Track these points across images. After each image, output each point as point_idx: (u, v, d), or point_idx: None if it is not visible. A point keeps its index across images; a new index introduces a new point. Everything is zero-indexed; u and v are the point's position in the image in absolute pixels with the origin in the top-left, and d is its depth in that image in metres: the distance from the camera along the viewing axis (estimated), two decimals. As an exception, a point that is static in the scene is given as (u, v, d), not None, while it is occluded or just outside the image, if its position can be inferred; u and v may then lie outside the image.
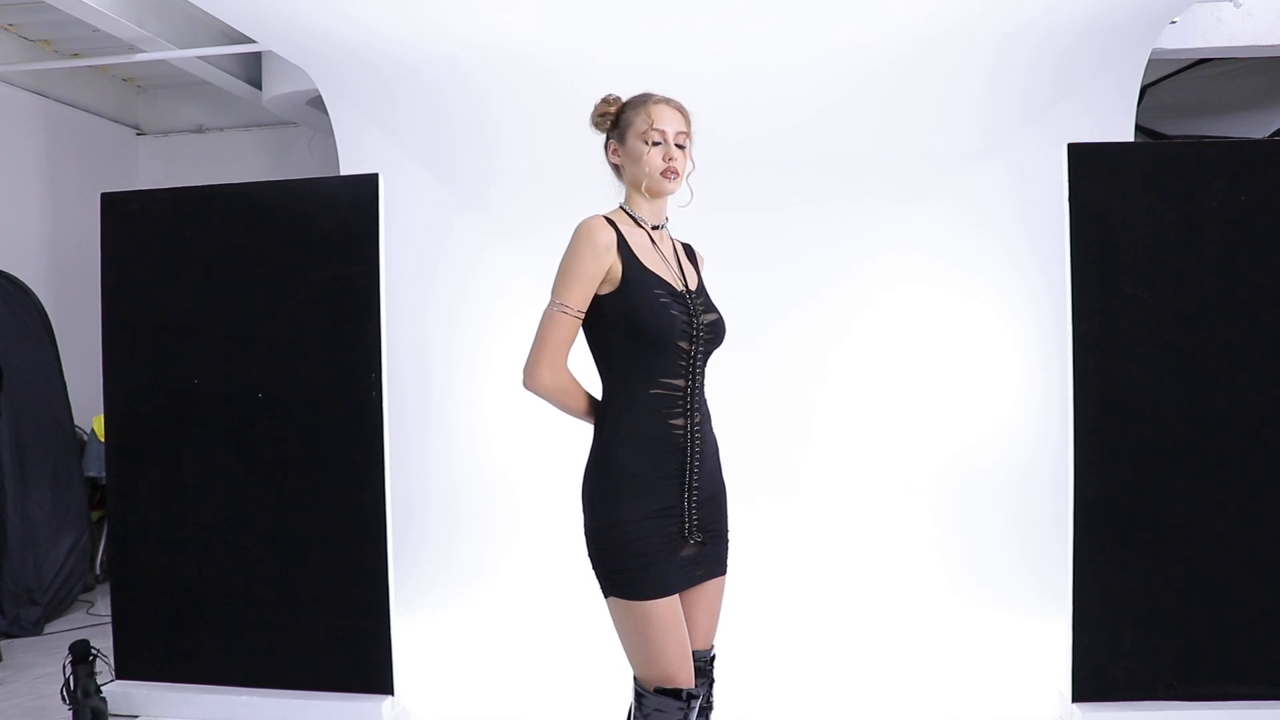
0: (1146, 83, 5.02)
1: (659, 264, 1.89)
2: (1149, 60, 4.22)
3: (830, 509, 4.26)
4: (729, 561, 1.99)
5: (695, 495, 1.87)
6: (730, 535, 1.99)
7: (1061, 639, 2.97)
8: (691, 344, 1.86)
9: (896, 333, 4.33)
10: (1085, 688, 2.89)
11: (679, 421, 1.85)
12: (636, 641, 1.82)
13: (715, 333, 1.91)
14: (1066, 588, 2.93)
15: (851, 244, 4.35)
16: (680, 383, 1.85)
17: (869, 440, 4.31)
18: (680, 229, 2.09)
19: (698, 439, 1.87)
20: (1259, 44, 4.56)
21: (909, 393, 4.29)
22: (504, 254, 4.47)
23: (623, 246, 1.85)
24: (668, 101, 1.91)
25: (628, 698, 1.92)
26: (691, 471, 1.86)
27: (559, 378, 1.85)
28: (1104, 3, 3.80)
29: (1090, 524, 2.92)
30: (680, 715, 1.81)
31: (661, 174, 1.88)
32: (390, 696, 3.11)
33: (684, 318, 1.85)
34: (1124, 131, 4.16)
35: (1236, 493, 2.91)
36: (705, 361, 1.91)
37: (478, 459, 4.49)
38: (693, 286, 1.94)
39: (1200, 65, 5.29)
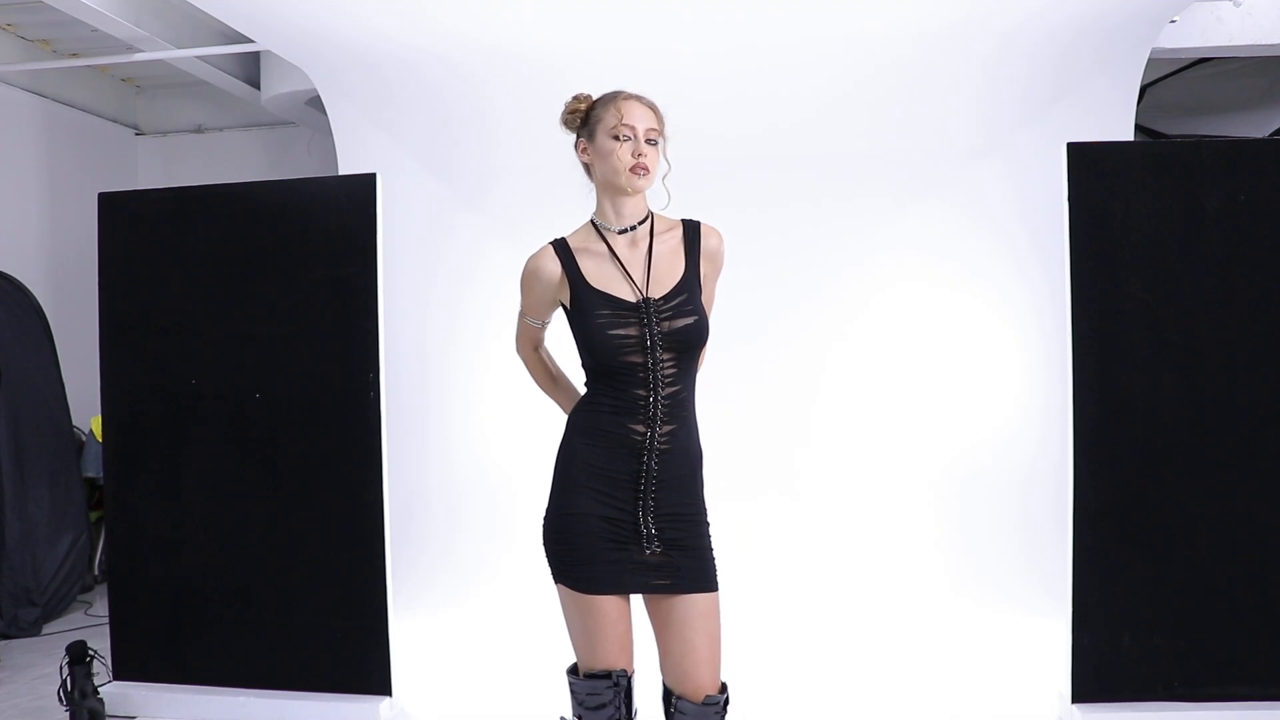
0: (1146, 82, 5.01)
1: (612, 278, 1.88)
2: (1149, 59, 4.21)
3: (830, 508, 4.25)
4: (718, 580, 1.91)
5: (652, 505, 1.86)
6: (713, 555, 1.92)
7: (1061, 639, 2.96)
8: (647, 356, 1.84)
9: (896, 332, 4.32)
10: (1085, 688, 2.88)
11: (640, 428, 1.85)
12: (579, 631, 1.88)
13: (684, 339, 1.86)
14: (1066, 587, 2.93)
15: (851, 243, 4.34)
16: (641, 392, 1.85)
17: (869, 439, 4.30)
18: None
19: (661, 448, 1.86)
20: (1259, 43, 4.55)
21: (909, 392, 4.29)
22: (504, 252, 4.43)
23: (571, 271, 1.88)
24: (638, 98, 1.88)
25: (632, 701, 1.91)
26: (649, 480, 1.85)
27: (527, 358, 2.12)
28: (1104, 2, 3.79)
29: (1090, 524, 2.91)
30: (611, 695, 1.84)
31: (631, 170, 1.85)
32: (388, 697, 3.10)
33: (631, 333, 1.83)
34: (1124, 131, 4.16)
35: (1237, 492, 2.90)
36: (680, 367, 1.87)
37: (477, 459, 4.48)
38: (664, 290, 1.88)
39: (1200, 64, 5.28)
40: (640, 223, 1.92)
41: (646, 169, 1.86)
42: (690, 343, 1.88)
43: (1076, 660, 2.89)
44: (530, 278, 1.94)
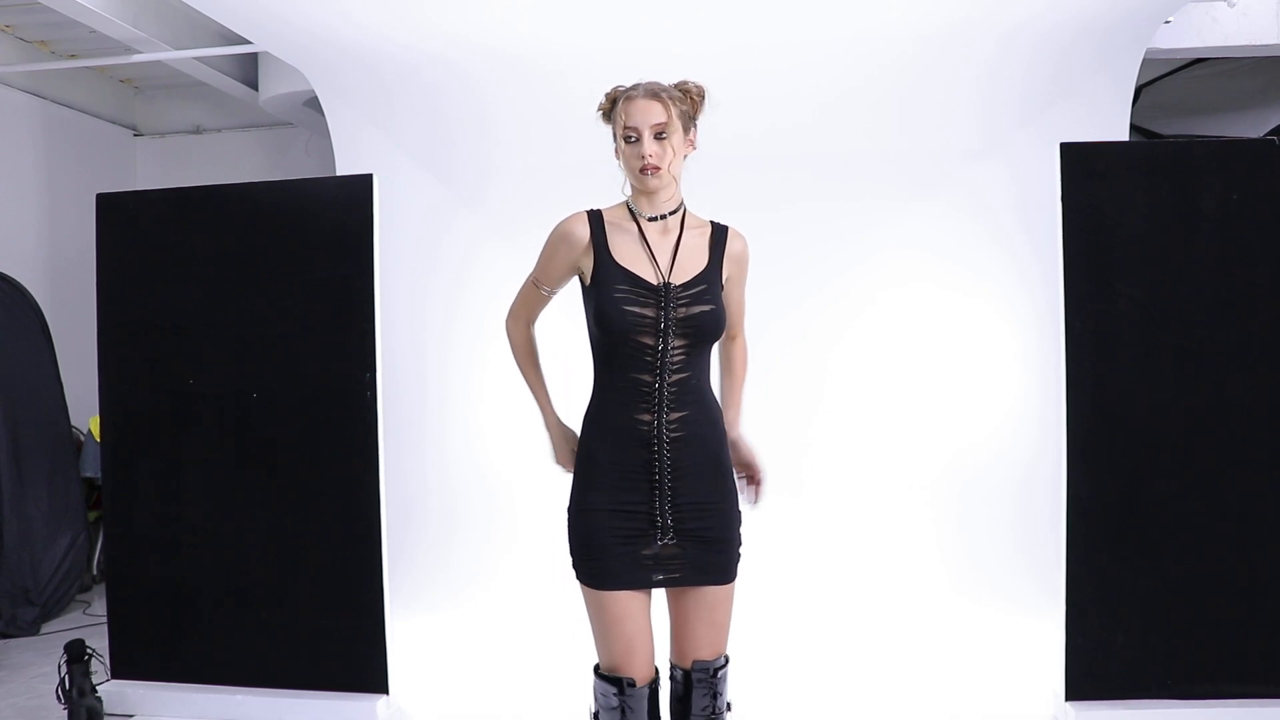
0: (1142, 82, 5.03)
1: (638, 258, 1.90)
2: (1145, 60, 4.22)
3: (830, 508, 4.26)
4: (737, 571, 1.96)
5: (669, 494, 1.88)
6: (739, 546, 1.96)
7: (1057, 638, 2.97)
8: (658, 339, 1.87)
9: (896, 332, 4.33)
10: (1079, 686, 2.90)
11: (646, 416, 1.88)
12: (595, 626, 1.92)
13: (697, 326, 1.88)
14: (1062, 586, 2.94)
15: (851, 243, 4.35)
16: (648, 378, 1.87)
17: (869, 439, 4.31)
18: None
19: (672, 436, 1.88)
20: (1254, 43, 4.57)
21: (909, 392, 4.30)
22: (502, 252, 4.46)
23: (599, 242, 1.91)
24: (645, 94, 1.88)
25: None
26: (663, 469, 1.87)
27: (517, 332, 2.08)
28: (1099, 2, 3.81)
29: (1084, 523, 2.92)
30: (617, 702, 1.87)
31: (640, 171, 1.88)
32: (385, 696, 3.11)
33: (648, 314, 1.86)
34: (1119, 130, 4.17)
35: (1230, 491, 2.91)
36: (690, 355, 1.90)
37: (475, 459, 4.50)
38: (685, 278, 1.90)
39: (1196, 65, 5.30)
40: (672, 212, 1.95)
41: (655, 168, 1.87)
42: (704, 331, 1.90)
43: (1070, 658, 2.90)
44: (560, 239, 1.94)
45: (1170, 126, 5.51)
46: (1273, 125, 5.38)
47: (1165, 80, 5.34)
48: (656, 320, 1.87)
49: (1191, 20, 4.55)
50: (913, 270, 4.32)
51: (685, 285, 1.90)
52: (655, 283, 1.89)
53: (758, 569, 3.86)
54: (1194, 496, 2.92)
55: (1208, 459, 2.92)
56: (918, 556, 4.16)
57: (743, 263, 2.03)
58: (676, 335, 1.87)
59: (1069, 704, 2.89)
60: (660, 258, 1.91)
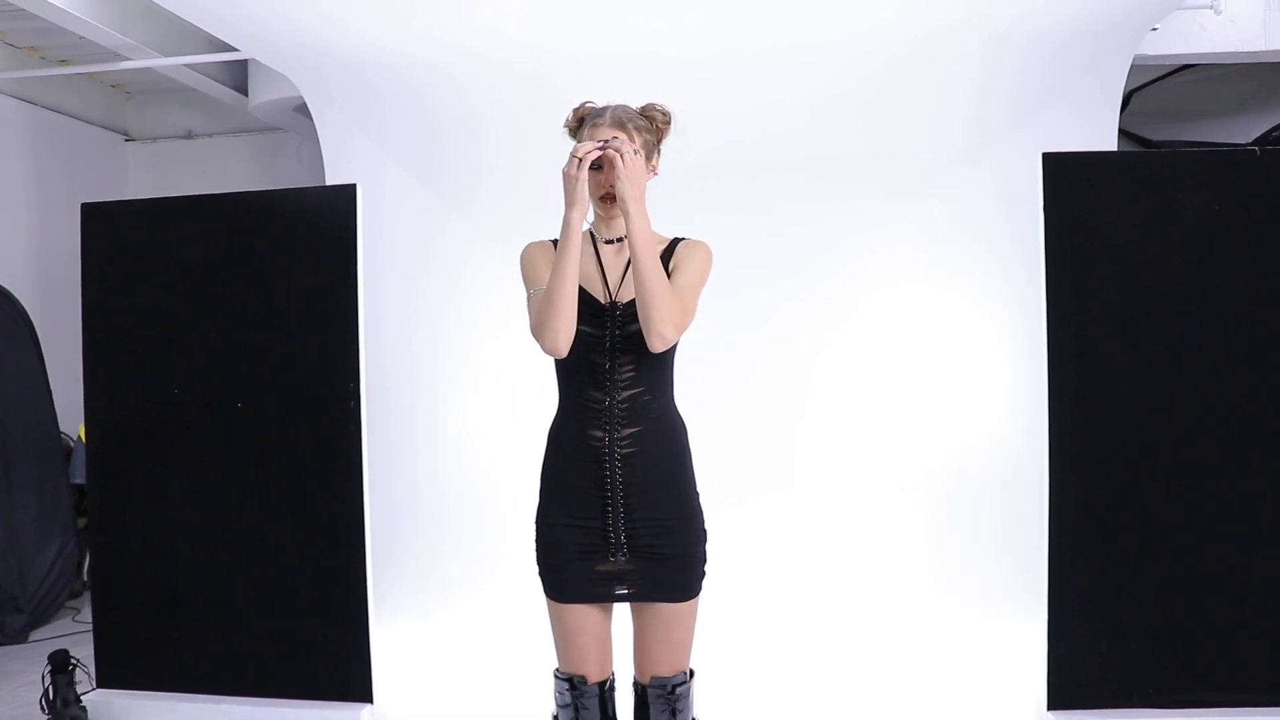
0: (1133, 88, 5.03)
1: (592, 279, 1.92)
2: (1135, 66, 4.23)
3: (817, 513, 4.26)
4: (702, 587, 1.96)
5: (623, 511, 1.89)
6: (700, 563, 1.96)
7: (1042, 644, 2.97)
8: (606, 357, 1.88)
9: (884, 337, 4.33)
10: (1061, 695, 2.89)
11: (598, 433, 1.90)
12: (554, 634, 1.98)
13: (641, 343, 1.86)
14: (1044, 594, 2.94)
15: (840, 247, 4.35)
16: (599, 394, 1.89)
17: (859, 442, 4.31)
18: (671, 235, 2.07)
19: (624, 452, 1.89)
20: (1241, 50, 4.58)
21: (897, 396, 4.30)
22: (491, 257, 4.46)
23: None
24: (610, 123, 1.89)
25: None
26: (614, 485, 1.88)
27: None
28: (1086, 9, 3.82)
29: (1066, 530, 2.93)
30: (570, 698, 1.92)
31: (600, 199, 1.91)
32: (369, 704, 3.11)
33: (596, 332, 1.88)
34: (1107, 135, 4.18)
35: (1213, 499, 2.91)
36: (640, 370, 1.90)
37: (464, 466, 4.49)
38: (632, 296, 1.88)
39: (1186, 70, 5.30)
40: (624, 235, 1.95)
41: (613, 198, 1.88)
42: (645, 348, 1.88)
43: (1052, 667, 2.90)
44: (533, 251, 1.96)
45: (1160, 132, 5.52)
46: (1261, 131, 5.39)
47: (1154, 86, 5.35)
48: (603, 338, 1.89)
49: (1179, 27, 4.56)
50: (904, 273, 4.32)
51: (632, 303, 1.89)
52: (604, 302, 1.91)
53: (745, 571, 3.90)
54: (1178, 504, 2.92)
55: (1191, 466, 2.92)
56: (907, 560, 4.16)
57: (692, 253, 1.94)
58: (623, 352, 1.89)
59: (1051, 713, 2.89)
60: (611, 277, 1.93)
